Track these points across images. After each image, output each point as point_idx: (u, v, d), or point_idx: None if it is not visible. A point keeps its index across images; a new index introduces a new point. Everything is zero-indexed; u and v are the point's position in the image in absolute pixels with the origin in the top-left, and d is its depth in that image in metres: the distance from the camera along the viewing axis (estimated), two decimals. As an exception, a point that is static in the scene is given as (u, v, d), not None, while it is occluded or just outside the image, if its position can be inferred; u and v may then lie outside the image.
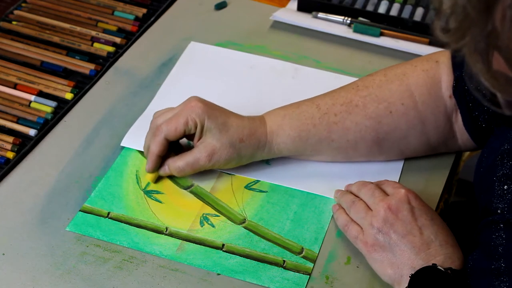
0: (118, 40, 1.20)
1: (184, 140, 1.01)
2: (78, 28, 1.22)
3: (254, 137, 0.97)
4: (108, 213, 0.96)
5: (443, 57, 0.98)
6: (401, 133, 0.98)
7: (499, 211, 0.81)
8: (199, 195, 0.99)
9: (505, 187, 0.81)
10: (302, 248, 0.93)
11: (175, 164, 0.98)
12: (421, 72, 0.98)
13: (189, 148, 1.00)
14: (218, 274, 0.90)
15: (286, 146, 0.98)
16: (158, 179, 1.00)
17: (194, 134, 0.97)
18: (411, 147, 1.00)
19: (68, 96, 1.11)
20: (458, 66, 0.95)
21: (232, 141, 0.96)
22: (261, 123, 0.98)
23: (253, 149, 0.97)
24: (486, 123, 0.94)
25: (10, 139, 1.03)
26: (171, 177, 1.00)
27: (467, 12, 0.59)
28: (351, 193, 0.95)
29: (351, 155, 1.00)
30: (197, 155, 0.97)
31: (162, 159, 0.98)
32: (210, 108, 0.97)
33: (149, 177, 0.99)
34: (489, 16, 0.58)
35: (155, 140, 0.97)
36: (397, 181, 0.98)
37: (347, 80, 1.08)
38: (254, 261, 0.91)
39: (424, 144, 1.00)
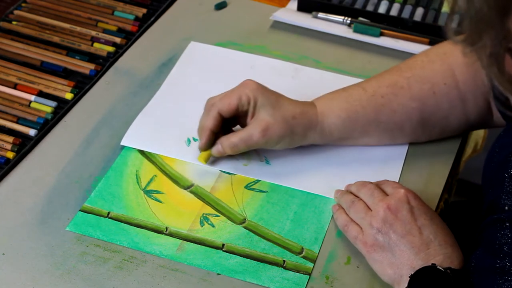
0: (118, 40, 1.20)
1: (237, 127, 1.01)
2: (78, 28, 1.22)
3: (306, 116, 0.98)
4: (108, 213, 0.96)
5: None
6: (443, 113, 0.99)
7: (506, 207, 0.81)
8: (199, 195, 0.99)
9: None
10: (302, 248, 0.93)
11: (229, 140, 0.98)
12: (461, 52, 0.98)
13: None
14: (218, 274, 0.90)
15: (337, 127, 0.99)
16: (160, 177, 0.99)
17: (245, 118, 0.98)
18: (451, 126, 1.01)
19: (68, 96, 1.11)
20: None
21: (285, 117, 0.97)
22: (311, 105, 0.99)
23: (305, 128, 0.98)
24: None
25: (10, 139, 1.03)
26: (171, 177, 1.00)
27: (483, 14, 0.59)
28: (351, 193, 0.95)
29: (397, 136, 1.01)
30: (251, 130, 0.97)
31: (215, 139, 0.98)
32: (263, 87, 0.98)
33: (202, 157, 0.99)
34: (506, 18, 0.58)
35: (209, 115, 0.97)
36: (397, 181, 0.98)
37: (347, 80, 1.08)
38: (254, 261, 0.91)
39: (464, 123, 1.01)
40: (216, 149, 0.99)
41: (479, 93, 0.98)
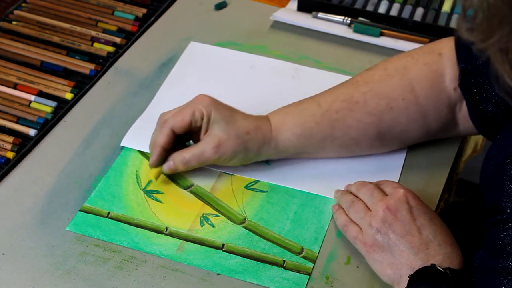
0: (118, 40, 1.20)
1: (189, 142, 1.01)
2: (78, 28, 1.22)
3: (260, 131, 0.97)
4: (108, 213, 0.96)
5: (446, 48, 0.98)
6: (402, 127, 0.98)
7: (508, 210, 0.80)
8: (199, 195, 0.99)
9: None
10: (302, 248, 0.93)
11: (181, 155, 0.97)
12: (423, 66, 0.97)
13: None
14: (218, 274, 0.90)
15: (292, 143, 0.98)
16: (160, 177, 0.99)
17: (199, 133, 0.97)
18: (411, 138, 1.01)
19: (68, 96, 1.11)
20: (463, 58, 0.94)
21: (239, 133, 0.96)
22: (266, 120, 0.98)
23: (259, 144, 0.97)
24: (493, 115, 0.94)
25: (10, 139, 1.03)
26: (171, 177, 1.00)
27: (498, 9, 0.58)
28: (351, 193, 0.95)
29: (354, 150, 1.00)
30: (204, 146, 0.96)
31: (167, 155, 0.97)
32: (217, 102, 0.97)
33: (152, 173, 0.99)
34: None
35: (161, 132, 0.96)
36: (397, 181, 0.98)
37: (347, 80, 1.08)
38: (254, 261, 0.91)
39: (424, 134, 1.00)
40: (167, 166, 0.97)
41: (442, 107, 0.97)
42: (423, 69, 0.97)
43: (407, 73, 0.98)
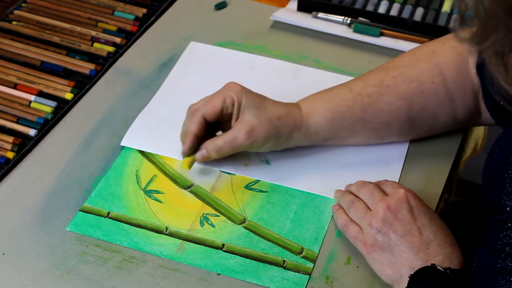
0: (118, 40, 1.20)
1: (219, 133, 1.01)
2: (78, 28, 1.22)
3: (291, 116, 0.97)
4: (108, 213, 0.96)
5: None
6: (431, 111, 0.99)
7: (508, 209, 0.81)
8: (199, 195, 0.99)
9: None
10: (302, 248, 0.93)
11: (214, 143, 0.97)
12: (449, 49, 0.98)
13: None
14: (218, 274, 0.90)
15: (322, 127, 0.98)
16: (160, 177, 0.99)
17: (229, 122, 0.97)
18: (439, 124, 1.01)
19: (68, 96, 1.11)
20: None
21: (270, 118, 0.96)
22: (296, 106, 0.99)
23: (290, 128, 0.97)
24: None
25: (10, 139, 1.03)
26: (171, 177, 1.00)
27: (493, 13, 0.59)
28: (351, 193, 0.95)
29: (385, 135, 1.01)
30: (236, 132, 0.96)
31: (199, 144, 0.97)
32: (247, 89, 0.98)
33: (185, 162, 0.98)
34: None
35: (193, 120, 0.96)
36: (397, 181, 0.98)
37: (347, 80, 1.08)
38: (254, 261, 0.91)
39: (452, 121, 1.01)
40: (201, 154, 0.97)
41: (467, 92, 0.98)
42: (450, 52, 0.98)
43: (434, 56, 0.99)
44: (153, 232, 0.94)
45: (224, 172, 1.01)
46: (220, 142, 0.97)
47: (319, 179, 1.00)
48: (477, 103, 0.99)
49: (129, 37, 1.22)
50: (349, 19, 1.23)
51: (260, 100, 0.97)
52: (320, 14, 1.24)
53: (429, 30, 1.21)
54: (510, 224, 0.79)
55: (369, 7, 1.25)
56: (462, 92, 0.98)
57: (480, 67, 0.95)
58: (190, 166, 0.99)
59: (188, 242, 0.93)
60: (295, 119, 0.98)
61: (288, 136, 0.98)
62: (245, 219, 0.96)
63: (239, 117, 0.97)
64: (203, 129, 0.97)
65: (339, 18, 1.23)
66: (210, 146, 0.97)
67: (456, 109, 0.99)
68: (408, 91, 0.98)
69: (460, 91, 0.98)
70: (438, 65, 0.98)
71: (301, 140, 0.99)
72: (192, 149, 0.98)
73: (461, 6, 0.62)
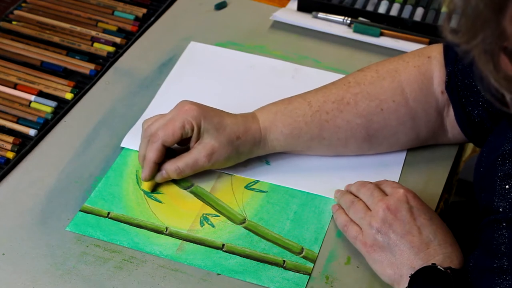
0: (118, 40, 1.20)
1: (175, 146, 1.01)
2: (78, 28, 1.22)
3: (249, 133, 0.97)
4: (108, 213, 0.96)
5: (435, 52, 0.99)
6: (391, 130, 0.99)
7: (501, 209, 0.81)
8: (199, 195, 0.99)
9: (507, 186, 0.82)
10: (302, 248, 0.93)
11: (174, 165, 0.97)
12: (413, 68, 0.98)
13: (183, 151, 0.99)
14: (218, 274, 0.90)
15: (279, 143, 0.99)
16: (155, 187, 0.99)
17: (189, 139, 0.97)
18: (400, 142, 1.01)
19: (68, 96, 1.11)
20: (450, 61, 0.95)
21: (229, 139, 0.96)
22: (254, 119, 0.99)
23: (250, 145, 0.98)
24: (479, 118, 0.94)
25: (10, 139, 1.03)
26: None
27: (480, 11, 0.59)
28: (351, 193, 0.95)
29: (341, 151, 1.01)
30: (196, 155, 0.96)
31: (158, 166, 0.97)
32: (204, 110, 0.97)
33: (146, 185, 0.99)
34: (501, 16, 0.58)
35: (152, 147, 0.96)
36: (397, 181, 0.98)
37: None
38: (254, 261, 0.91)
39: (413, 139, 1.01)
40: (160, 176, 0.97)
41: (431, 110, 0.98)
42: (413, 71, 0.98)
43: (397, 75, 0.98)
44: (153, 232, 0.94)
45: (224, 172, 1.01)
46: (181, 164, 0.97)
47: (319, 179, 1.00)
48: (442, 122, 0.99)
49: (129, 37, 1.22)
50: (349, 19, 1.23)
51: (218, 120, 0.97)
52: (320, 14, 1.24)
53: (429, 30, 1.21)
54: (504, 224, 0.80)
55: (369, 7, 1.25)
56: (425, 111, 0.98)
57: (450, 87, 0.95)
58: (151, 188, 0.99)
59: (188, 242, 0.93)
60: (254, 136, 0.98)
61: (248, 153, 0.99)
62: (245, 219, 0.96)
63: (199, 140, 0.96)
64: (162, 155, 0.96)
65: (339, 18, 1.23)
66: (171, 168, 0.97)
67: (418, 127, 0.99)
68: (368, 109, 0.97)
69: (423, 109, 0.98)
70: (401, 84, 0.98)
71: (260, 153, 1.00)
72: (153, 175, 0.97)
73: (449, 5, 0.62)
